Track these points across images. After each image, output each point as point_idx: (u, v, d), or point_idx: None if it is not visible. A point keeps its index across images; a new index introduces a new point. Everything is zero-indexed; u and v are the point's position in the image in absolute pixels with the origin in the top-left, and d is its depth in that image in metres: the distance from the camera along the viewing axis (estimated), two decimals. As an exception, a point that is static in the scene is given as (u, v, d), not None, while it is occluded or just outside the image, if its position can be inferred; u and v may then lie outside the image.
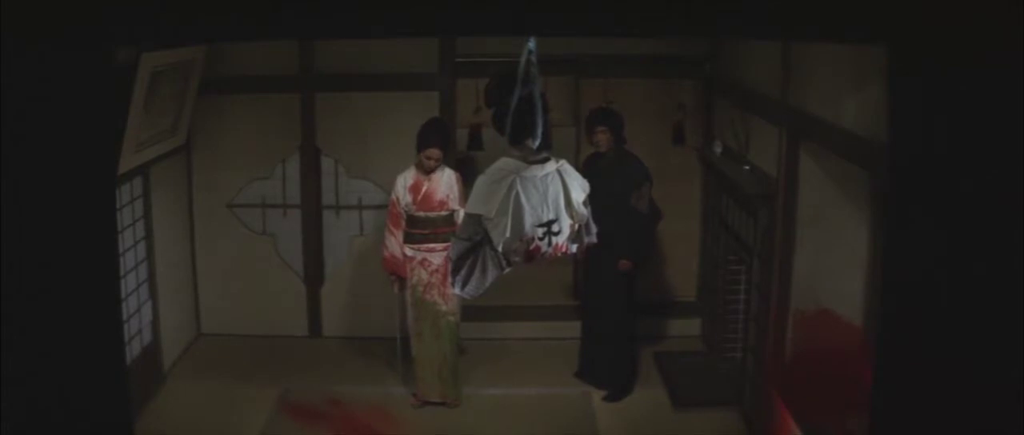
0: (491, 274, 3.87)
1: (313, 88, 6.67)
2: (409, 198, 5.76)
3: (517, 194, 3.69)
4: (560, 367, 6.46)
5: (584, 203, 3.97)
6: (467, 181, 4.99)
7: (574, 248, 4.08)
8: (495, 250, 3.78)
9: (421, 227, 5.78)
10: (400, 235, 5.83)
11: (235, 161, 6.77)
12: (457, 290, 3.97)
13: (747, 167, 5.72)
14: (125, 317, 5.35)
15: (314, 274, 6.97)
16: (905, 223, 3.50)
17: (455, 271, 3.91)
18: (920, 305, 3.44)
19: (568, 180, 3.87)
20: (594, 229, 4.20)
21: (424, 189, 5.75)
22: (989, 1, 3.03)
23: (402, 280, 5.91)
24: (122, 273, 5.36)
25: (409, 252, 5.81)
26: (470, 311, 6.34)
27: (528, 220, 3.73)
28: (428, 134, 5.68)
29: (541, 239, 3.81)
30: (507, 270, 3.89)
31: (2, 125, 2.62)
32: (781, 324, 5.13)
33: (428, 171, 5.74)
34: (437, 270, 5.75)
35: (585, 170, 4.50)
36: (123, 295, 5.33)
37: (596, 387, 6.19)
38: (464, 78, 6.64)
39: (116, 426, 4.59)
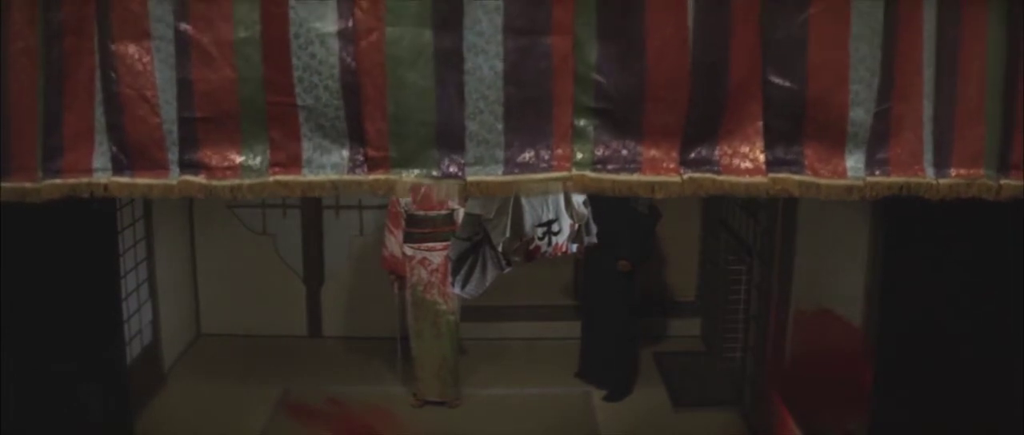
0: (491, 274, 3.87)
1: (313, 88, 6.65)
2: (409, 197, 5.74)
3: (517, 194, 3.69)
4: (560, 367, 6.45)
5: (584, 203, 3.97)
6: (467, 181, 4.98)
7: (574, 248, 4.09)
8: (495, 250, 3.78)
9: (421, 226, 5.77)
10: (400, 234, 5.81)
11: (235, 161, 6.75)
12: (457, 290, 3.98)
13: (747, 167, 5.71)
14: (125, 317, 5.34)
15: (314, 274, 6.96)
16: (905, 223, 3.50)
17: (455, 271, 3.92)
18: (920, 306, 3.44)
19: (568, 180, 3.86)
20: (594, 229, 4.20)
21: (424, 188, 5.73)
22: None
23: (402, 279, 5.90)
24: (122, 273, 5.35)
25: (409, 251, 5.80)
26: (470, 311, 6.33)
27: (528, 220, 3.73)
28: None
29: (541, 239, 3.81)
30: (507, 270, 3.89)
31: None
32: (781, 324, 5.12)
33: (428, 171, 5.72)
34: (437, 269, 5.74)
35: (585, 170, 4.48)
36: (123, 295, 5.33)
37: (596, 387, 6.18)
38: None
39: (116, 426, 4.60)
